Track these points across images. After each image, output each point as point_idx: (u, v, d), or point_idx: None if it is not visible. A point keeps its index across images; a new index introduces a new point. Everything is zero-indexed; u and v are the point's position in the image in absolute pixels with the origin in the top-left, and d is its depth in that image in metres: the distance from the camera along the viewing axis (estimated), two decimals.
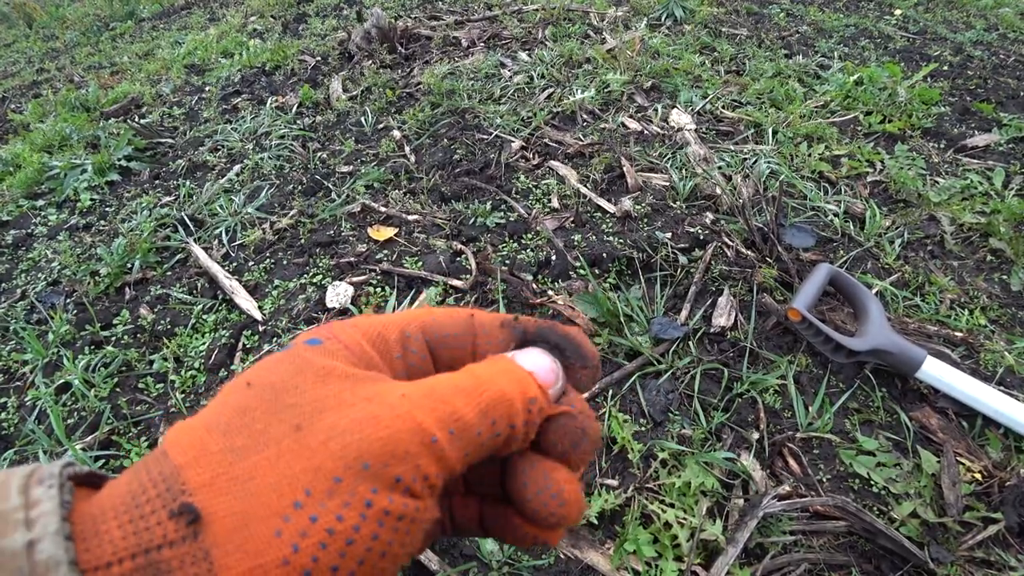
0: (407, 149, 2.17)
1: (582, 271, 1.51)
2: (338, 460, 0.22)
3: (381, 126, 2.35)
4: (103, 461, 1.24)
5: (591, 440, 0.28)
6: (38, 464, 0.21)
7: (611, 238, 1.62)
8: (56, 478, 0.21)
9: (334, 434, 0.22)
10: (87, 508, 0.21)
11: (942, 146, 2.09)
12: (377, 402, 0.24)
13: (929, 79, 2.52)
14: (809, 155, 1.97)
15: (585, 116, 2.26)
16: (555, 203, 1.82)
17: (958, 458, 1.12)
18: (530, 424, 0.26)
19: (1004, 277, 1.55)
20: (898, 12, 3.36)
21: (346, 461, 0.22)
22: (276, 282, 1.62)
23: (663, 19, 3.14)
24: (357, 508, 0.21)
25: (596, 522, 1.05)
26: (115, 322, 1.56)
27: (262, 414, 0.23)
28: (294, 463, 0.22)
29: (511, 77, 2.57)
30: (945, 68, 2.65)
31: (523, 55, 2.78)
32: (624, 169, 1.90)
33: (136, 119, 2.71)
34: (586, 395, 1.23)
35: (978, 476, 1.10)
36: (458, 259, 1.62)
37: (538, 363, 0.28)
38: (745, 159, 1.95)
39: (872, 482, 1.09)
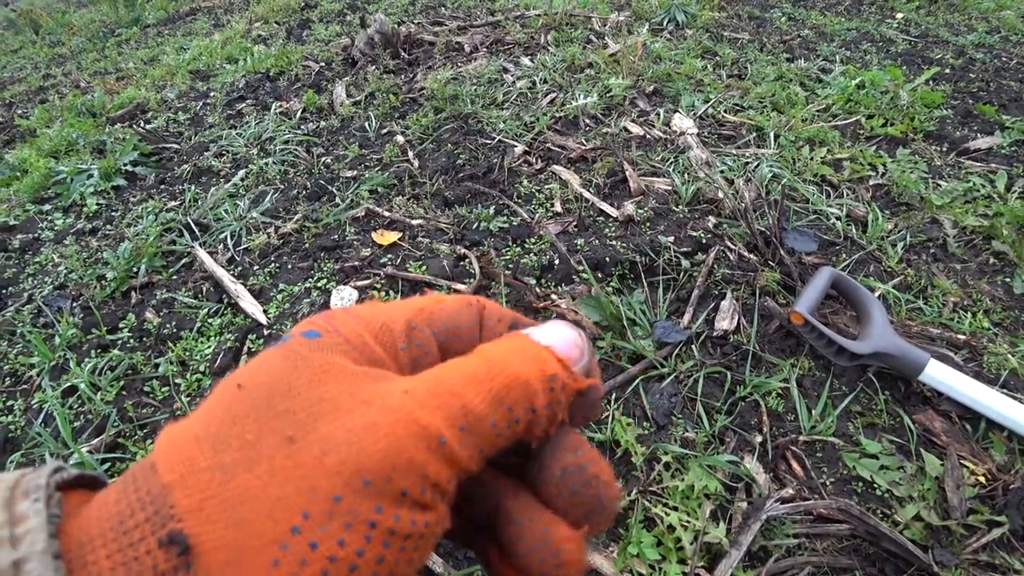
0: (411, 154, 2.18)
1: (585, 275, 1.52)
2: (335, 477, 0.20)
3: (385, 131, 2.37)
4: (109, 464, 1.25)
5: (607, 514, 0.25)
6: (23, 472, 0.20)
7: (614, 242, 1.63)
8: (43, 490, 0.19)
9: (330, 447, 0.20)
10: (76, 531, 0.19)
11: (944, 149, 2.09)
12: (377, 405, 0.21)
13: (931, 82, 2.52)
14: (811, 159, 1.98)
15: (587, 121, 2.27)
16: (558, 207, 1.82)
17: (962, 461, 1.12)
18: (555, 404, 0.24)
19: (1007, 280, 1.55)
20: (899, 15, 3.36)
21: (344, 478, 0.20)
22: (281, 286, 1.63)
23: (665, 23, 3.15)
24: (360, 530, 0.19)
25: None
26: (121, 326, 1.58)
27: (253, 422, 0.21)
28: (288, 482, 0.20)
29: (514, 82, 2.58)
30: (947, 71, 2.66)
31: (525, 60, 2.79)
32: (626, 173, 1.90)
33: (141, 124, 2.73)
34: None
35: (982, 479, 1.10)
36: (462, 263, 1.63)
37: (557, 335, 0.25)
38: (747, 163, 1.96)
39: (875, 485, 1.09)
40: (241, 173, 2.19)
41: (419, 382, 0.23)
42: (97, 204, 2.15)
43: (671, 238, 1.62)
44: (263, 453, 0.20)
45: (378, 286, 1.58)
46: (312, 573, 0.18)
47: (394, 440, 0.20)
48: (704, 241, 1.61)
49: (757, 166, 1.93)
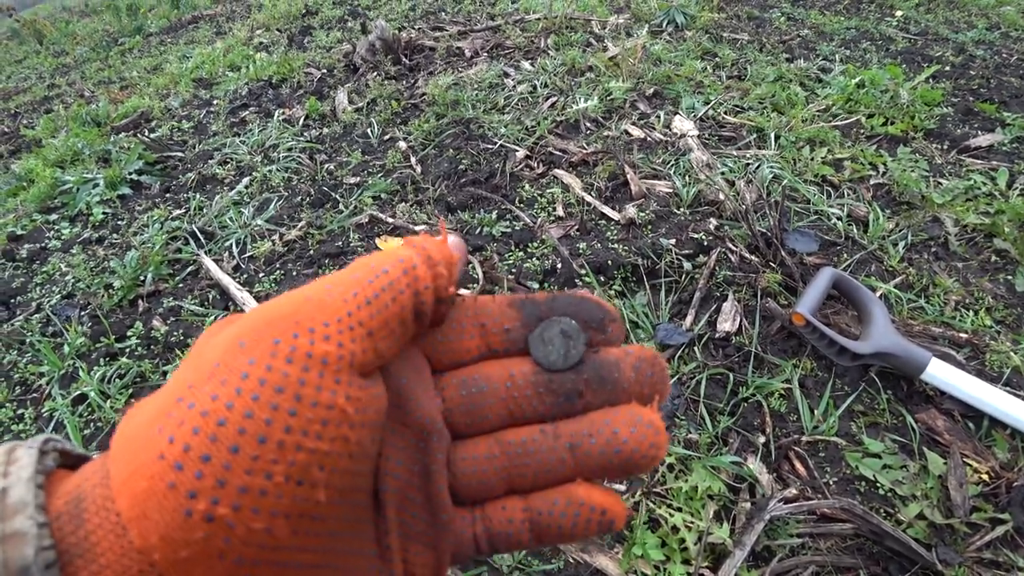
0: (413, 160, 2.19)
1: (587, 278, 1.53)
2: (214, 352, 0.21)
3: (387, 137, 2.38)
4: None
5: (657, 367, 0.26)
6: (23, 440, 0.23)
7: (616, 245, 1.64)
8: (37, 443, 0.22)
9: (215, 343, 0.21)
10: (64, 472, 0.22)
11: (945, 147, 2.10)
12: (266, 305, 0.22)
13: (931, 80, 2.52)
14: (812, 159, 1.98)
15: (588, 124, 2.28)
16: (560, 211, 1.84)
17: (965, 459, 1.13)
18: (436, 269, 0.24)
19: (1009, 277, 1.55)
20: (899, 13, 3.37)
21: (223, 348, 0.20)
22: None
23: (664, 25, 3.16)
24: (232, 383, 0.19)
25: None
26: (129, 334, 1.59)
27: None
28: (183, 371, 0.21)
29: (514, 87, 2.60)
30: (947, 69, 2.66)
31: (526, 64, 2.81)
32: (628, 176, 1.91)
33: (146, 133, 2.76)
34: None
35: (985, 477, 1.10)
36: (465, 268, 1.64)
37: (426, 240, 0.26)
38: (748, 164, 1.97)
39: (878, 484, 1.10)
40: (245, 181, 2.21)
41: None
42: (103, 213, 2.17)
43: (673, 240, 1.63)
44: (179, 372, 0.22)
45: None
46: (186, 432, 0.19)
47: (269, 310, 0.21)
48: (705, 243, 1.62)
49: (758, 167, 1.94)
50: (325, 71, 3.09)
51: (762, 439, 1.18)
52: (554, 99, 2.45)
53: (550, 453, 0.25)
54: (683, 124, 2.20)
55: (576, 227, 1.76)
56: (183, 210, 2.12)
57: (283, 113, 2.68)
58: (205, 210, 2.08)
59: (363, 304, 0.22)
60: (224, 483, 0.18)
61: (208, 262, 1.79)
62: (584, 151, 2.09)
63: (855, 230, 1.70)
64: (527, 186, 1.96)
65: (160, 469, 0.18)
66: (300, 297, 0.22)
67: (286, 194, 2.11)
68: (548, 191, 1.92)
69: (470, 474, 0.26)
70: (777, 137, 2.10)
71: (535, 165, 2.08)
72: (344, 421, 0.20)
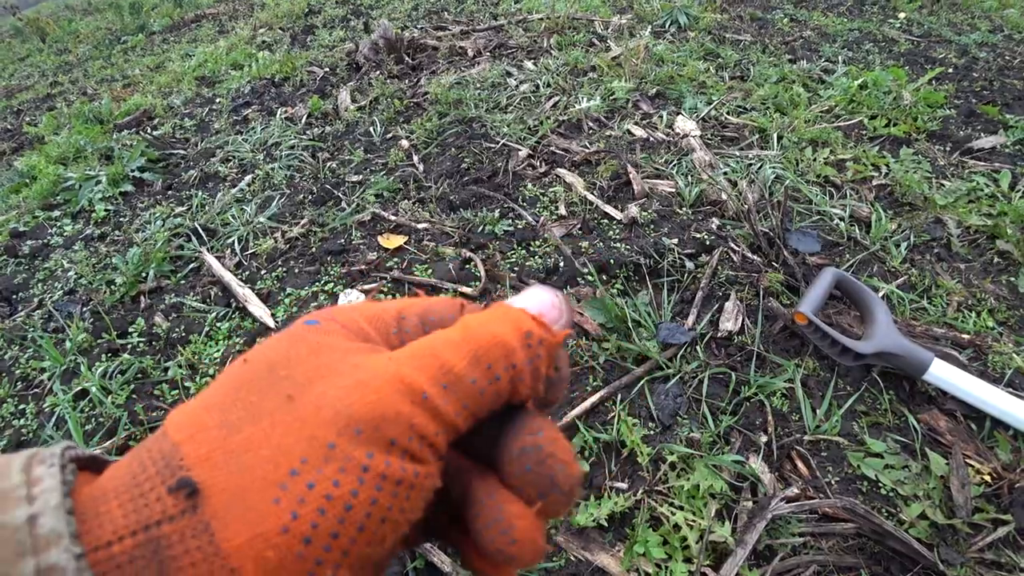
0: (415, 158, 2.19)
1: (590, 277, 1.53)
2: (330, 427, 0.21)
3: (389, 136, 2.39)
4: None
5: (565, 493, 0.25)
6: (39, 448, 0.22)
7: (618, 244, 1.64)
8: (57, 458, 0.21)
9: (324, 402, 0.22)
10: (89, 490, 0.21)
11: (948, 149, 2.10)
12: (365, 368, 0.23)
13: (934, 82, 2.52)
14: (814, 160, 1.98)
15: (591, 124, 2.28)
16: (562, 210, 1.84)
17: (967, 460, 1.12)
18: (535, 359, 0.25)
19: (1011, 279, 1.55)
20: (902, 15, 3.37)
21: (338, 427, 0.21)
22: (288, 290, 1.64)
23: (667, 26, 3.16)
24: (354, 473, 0.21)
25: (606, 524, 1.06)
26: (131, 330, 1.59)
27: (256, 388, 0.23)
28: (288, 433, 0.22)
29: (517, 86, 2.60)
30: (950, 71, 2.66)
31: (529, 64, 2.81)
32: (630, 176, 1.91)
33: (148, 131, 2.76)
34: (595, 398, 1.24)
35: (987, 478, 1.10)
36: (467, 266, 1.64)
37: (533, 298, 0.27)
38: (750, 164, 1.97)
39: (880, 484, 1.10)
40: (248, 178, 2.21)
41: (404, 349, 0.25)
42: (105, 210, 2.18)
43: (675, 240, 1.63)
44: (265, 410, 0.22)
45: (385, 289, 1.59)
46: (310, 510, 0.20)
47: (382, 395, 0.22)
48: (708, 243, 1.62)
49: (760, 167, 1.93)
50: (328, 70, 3.10)
51: (764, 438, 1.18)
52: (557, 99, 2.45)
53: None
54: (686, 124, 2.20)
55: (578, 226, 1.76)
56: (185, 207, 2.12)
57: (286, 111, 2.69)
58: (207, 207, 2.08)
59: (461, 409, 0.24)
60: (347, 553, 0.21)
61: (210, 259, 1.79)
62: (587, 150, 2.09)
63: (857, 231, 1.69)
64: (530, 185, 1.96)
65: (286, 542, 0.20)
66: (406, 387, 0.23)
67: (288, 192, 2.11)
68: (551, 190, 1.92)
69: None
70: (780, 138, 2.10)
71: (538, 164, 2.08)
72: (432, 489, 0.23)
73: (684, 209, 1.78)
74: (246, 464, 0.21)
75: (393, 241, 1.76)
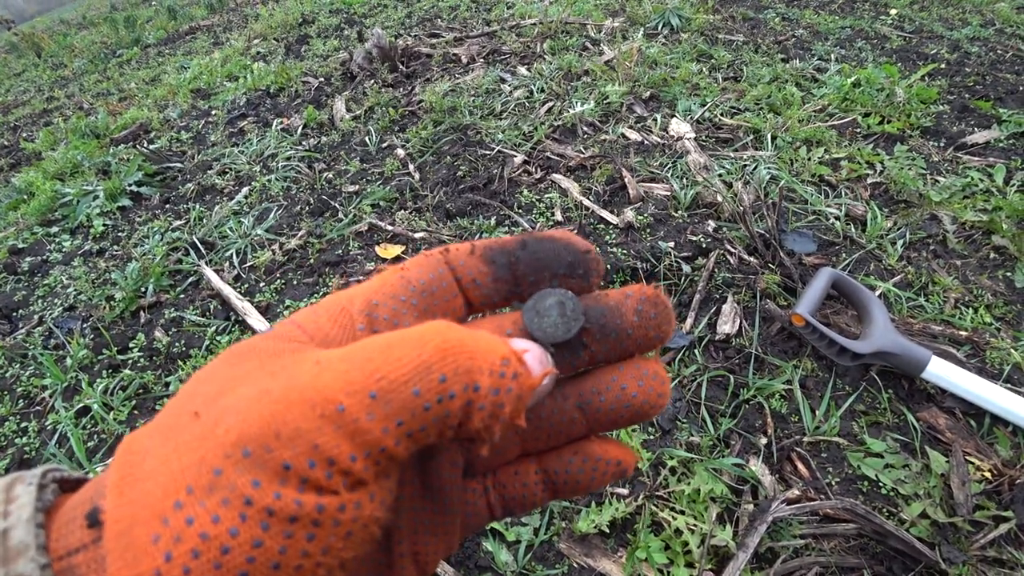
0: (411, 167, 2.20)
1: None
2: (219, 448, 0.18)
3: (385, 145, 2.39)
4: None
5: (660, 306, 0.25)
6: (25, 471, 0.22)
7: (614, 249, 1.65)
8: (36, 478, 0.22)
9: (221, 417, 0.19)
10: (65, 510, 0.21)
11: (942, 145, 2.10)
12: (282, 374, 0.19)
13: (927, 78, 2.53)
14: (808, 159, 1.99)
15: (585, 128, 2.29)
16: (558, 216, 1.84)
17: (967, 457, 1.13)
18: (503, 392, 0.20)
19: (1008, 274, 1.55)
20: (893, 11, 3.38)
21: (225, 448, 0.18)
22: (287, 302, 1.65)
23: (660, 28, 3.17)
24: (236, 507, 0.17)
25: (608, 531, 1.06)
26: (131, 345, 1.60)
27: (185, 405, 0.21)
28: (185, 455, 0.18)
29: (511, 92, 2.61)
30: (942, 66, 2.67)
31: (522, 70, 2.82)
32: (625, 180, 1.92)
33: (145, 144, 2.77)
34: None
35: (988, 475, 1.10)
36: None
37: (519, 342, 0.23)
38: (745, 166, 1.97)
39: (881, 484, 1.10)
40: (244, 190, 2.22)
41: (338, 350, 0.20)
42: (104, 225, 2.18)
43: (671, 243, 1.63)
44: (174, 430, 0.20)
45: None
46: (184, 552, 0.17)
47: (281, 406, 0.18)
48: (704, 245, 1.63)
49: (755, 168, 1.94)
50: (322, 80, 3.11)
51: (764, 440, 1.18)
52: (551, 104, 2.46)
53: (560, 415, 0.26)
54: (680, 126, 2.21)
55: (575, 231, 1.76)
56: (183, 221, 2.13)
57: (281, 122, 2.70)
58: (205, 220, 2.09)
59: (393, 428, 0.18)
60: None
61: (209, 272, 1.80)
62: (582, 155, 2.09)
63: (853, 229, 1.70)
64: (525, 191, 1.97)
65: None
66: (317, 396, 0.18)
67: (285, 203, 2.12)
68: (546, 196, 1.93)
69: None
70: (774, 138, 2.11)
71: (533, 170, 2.09)
72: (371, 523, 0.18)
73: (680, 212, 1.78)
74: (144, 492, 0.18)
75: (391, 251, 1.76)
